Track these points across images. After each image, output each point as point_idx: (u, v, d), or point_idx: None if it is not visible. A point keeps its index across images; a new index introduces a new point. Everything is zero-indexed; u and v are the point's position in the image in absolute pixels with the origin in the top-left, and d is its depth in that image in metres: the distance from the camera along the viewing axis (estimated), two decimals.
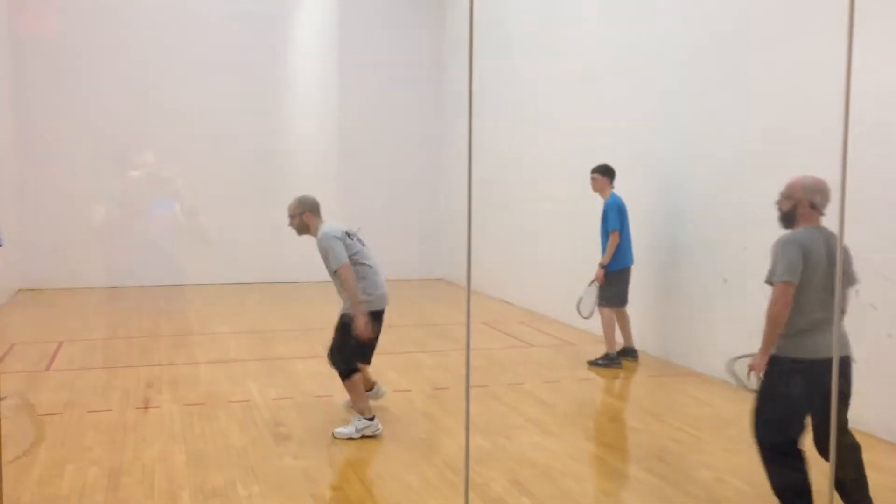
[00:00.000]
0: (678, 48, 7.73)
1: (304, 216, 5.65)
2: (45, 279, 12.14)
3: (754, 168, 6.73)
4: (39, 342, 8.46)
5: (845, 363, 4.05)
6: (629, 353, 7.74)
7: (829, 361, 3.57)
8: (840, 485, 4.13)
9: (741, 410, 6.18)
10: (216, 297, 11.86)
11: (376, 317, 5.69)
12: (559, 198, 10.03)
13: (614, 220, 7.47)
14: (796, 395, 4.02)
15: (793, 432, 4.06)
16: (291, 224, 5.76)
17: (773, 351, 4.17)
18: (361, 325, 5.42)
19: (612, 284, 7.59)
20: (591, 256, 8.20)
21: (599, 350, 7.83)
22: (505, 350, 8.38)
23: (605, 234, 7.58)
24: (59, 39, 12.15)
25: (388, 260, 13.44)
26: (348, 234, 5.71)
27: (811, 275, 4.04)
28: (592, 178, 7.71)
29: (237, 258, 12.90)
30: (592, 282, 7.70)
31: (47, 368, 7.38)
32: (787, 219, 4.35)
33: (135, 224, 12.23)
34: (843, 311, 4.19)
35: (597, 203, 7.88)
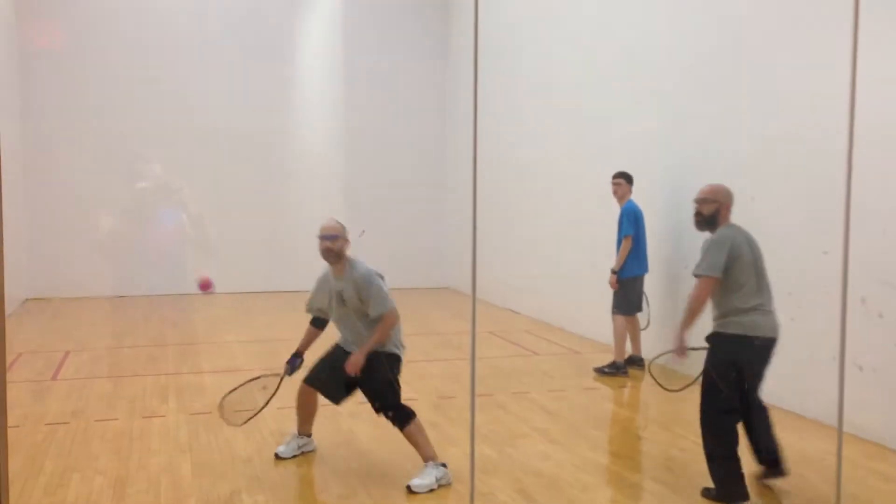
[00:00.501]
0: (682, 54, 7.73)
1: (345, 244, 5.18)
2: (52, 288, 12.18)
3: (759, 174, 6.72)
4: (46, 351, 8.48)
5: (771, 344, 4.64)
6: (636, 361, 7.71)
7: (767, 339, 4.53)
8: (756, 447, 4.79)
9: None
10: (222, 306, 11.88)
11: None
12: (565, 206, 10.03)
13: (628, 226, 7.48)
14: (736, 367, 4.55)
15: (733, 401, 4.58)
16: (329, 246, 5.08)
17: (717, 329, 4.68)
18: (359, 365, 4.95)
19: (625, 292, 7.58)
20: (597, 265, 8.21)
21: (605, 358, 7.80)
22: (510, 359, 8.36)
23: (620, 240, 7.60)
24: (66, 50, 12.23)
25: (393, 269, 13.55)
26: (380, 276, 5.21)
27: (743, 266, 4.63)
28: (616, 184, 7.71)
29: (243, 267, 12.91)
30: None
31: (54, 377, 7.39)
32: (710, 221, 4.85)
33: (141, 234, 12.27)
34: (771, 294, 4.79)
35: (604, 211, 7.89)
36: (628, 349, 7.74)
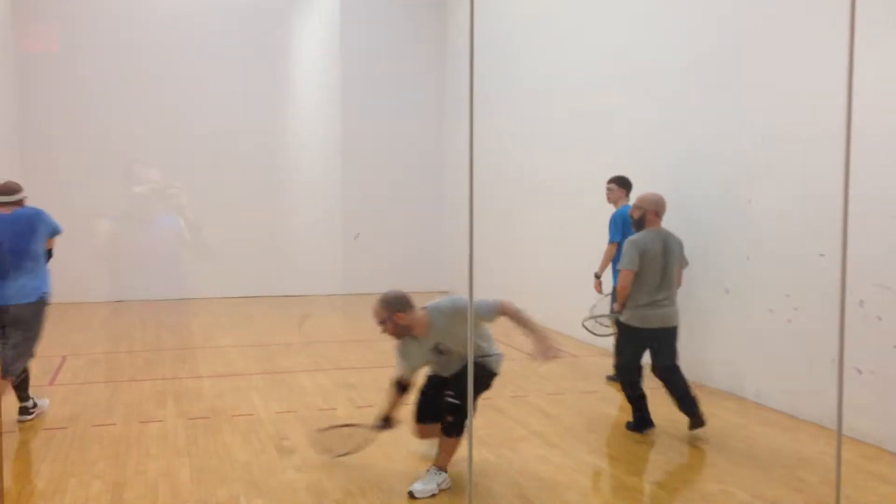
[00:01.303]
0: (679, 56, 7.75)
1: (401, 316, 4.81)
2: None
3: (757, 177, 6.73)
4: (43, 356, 8.44)
5: (673, 332, 5.88)
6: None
7: (661, 329, 5.78)
8: (679, 401, 5.86)
9: (747, 423, 6.17)
10: (220, 310, 11.86)
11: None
12: (564, 209, 10.04)
13: (614, 231, 7.36)
14: (634, 351, 5.92)
15: (635, 372, 5.95)
16: (387, 331, 4.97)
17: (622, 319, 5.87)
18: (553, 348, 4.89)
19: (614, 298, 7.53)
20: (592, 269, 8.20)
21: (603, 362, 7.80)
22: (508, 362, 8.30)
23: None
24: (63, 54, 12.24)
25: (390, 271, 13.61)
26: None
27: (648, 266, 5.70)
28: (608, 189, 7.58)
29: (241, 272, 12.92)
30: (606, 295, 7.58)
31: (51, 383, 7.38)
32: (638, 224, 5.91)
33: (139, 239, 12.26)
34: (674, 289, 5.89)
35: (603, 214, 7.89)
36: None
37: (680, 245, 5.92)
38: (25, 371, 6.02)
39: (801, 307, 6.22)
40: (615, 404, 6.76)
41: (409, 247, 13.90)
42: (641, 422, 5.96)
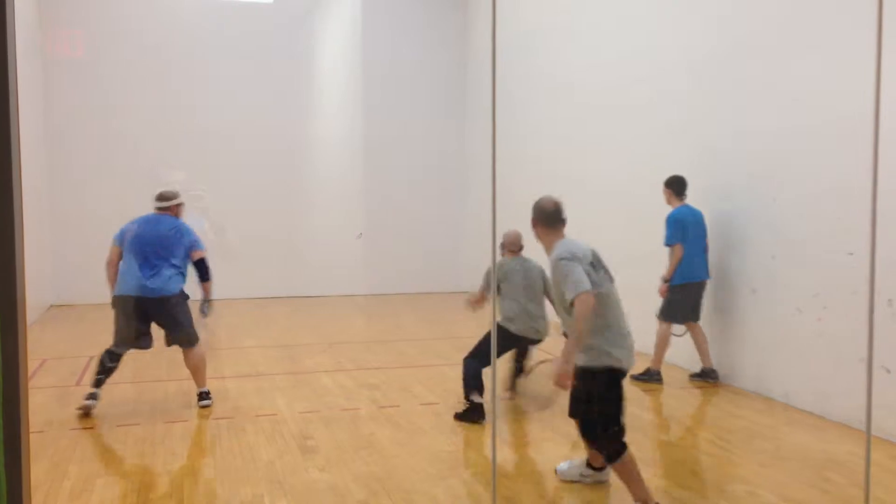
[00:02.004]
0: (702, 53, 7.68)
1: (533, 224, 4.85)
2: (76, 295, 12.28)
3: (782, 175, 6.66)
4: (70, 357, 8.55)
5: (528, 340, 6.47)
6: (707, 374, 7.37)
7: (524, 337, 6.36)
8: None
9: (774, 423, 6.09)
10: (243, 311, 11.92)
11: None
12: (585, 208, 9.97)
13: (670, 234, 7.23)
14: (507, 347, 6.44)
15: (485, 360, 6.10)
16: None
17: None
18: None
19: (671, 298, 7.33)
20: (615, 269, 8.15)
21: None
22: (531, 362, 8.32)
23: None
24: (89, 59, 12.36)
25: (411, 272, 13.61)
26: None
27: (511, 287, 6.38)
28: (664, 191, 7.49)
29: (264, 273, 12.98)
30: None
31: (78, 383, 7.45)
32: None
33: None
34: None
35: (623, 212, 7.85)
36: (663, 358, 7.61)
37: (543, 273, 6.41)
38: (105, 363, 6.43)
39: (830, 306, 6.14)
40: (642, 405, 6.71)
41: (430, 247, 13.89)
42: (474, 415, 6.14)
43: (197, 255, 6.60)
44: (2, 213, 1.94)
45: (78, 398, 6.79)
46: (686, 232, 7.21)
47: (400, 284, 13.68)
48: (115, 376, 7.68)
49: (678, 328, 7.46)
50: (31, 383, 7.38)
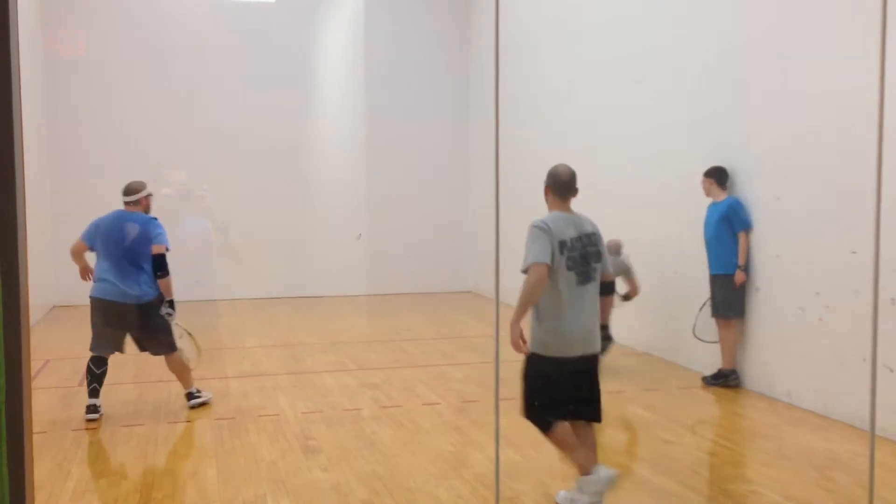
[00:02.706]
0: (706, 52, 7.67)
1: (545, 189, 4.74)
2: (78, 296, 12.21)
3: (785, 174, 6.65)
4: (73, 358, 8.55)
5: None
6: (723, 375, 7.15)
7: None
8: None
9: (777, 422, 6.08)
10: (245, 311, 11.93)
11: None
12: (589, 207, 9.96)
13: (744, 218, 6.96)
14: None
15: None
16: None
17: None
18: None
19: (734, 291, 7.04)
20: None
21: (627, 362, 7.73)
22: None
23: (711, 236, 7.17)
24: (91, 58, 12.36)
25: (415, 272, 13.60)
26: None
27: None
28: (704, 182, 7.29)
29: (266, 273, 12.98)
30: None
31: (81, 384, 7.43)
32: None
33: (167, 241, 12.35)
34: None
35: (627, 211, 7.84)
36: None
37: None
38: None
39: (833, 305, 6.13)
40: (643, 404, 6.70)
41: (433, 247, 13.89)
42: None
43: (155, 250, 6.31)
44: (4, 214, 1.94)
45: (81, 398, 6.79)
46: (720, 223, 7.04)
47: (402, 284, 13.68)
48: (118, 377, 7.69)
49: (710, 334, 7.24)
50: (33, 384, 7.38)
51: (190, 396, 6.55)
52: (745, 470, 5.11)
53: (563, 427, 4.41)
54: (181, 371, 6.53)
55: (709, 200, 7.26)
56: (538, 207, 8.86)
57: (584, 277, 4.44)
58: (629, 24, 9.08)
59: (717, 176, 7.19)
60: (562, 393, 4.45)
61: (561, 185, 4.61)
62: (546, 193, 4.70)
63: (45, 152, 11.99)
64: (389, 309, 12.39)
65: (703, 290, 7.41)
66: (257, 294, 12.85)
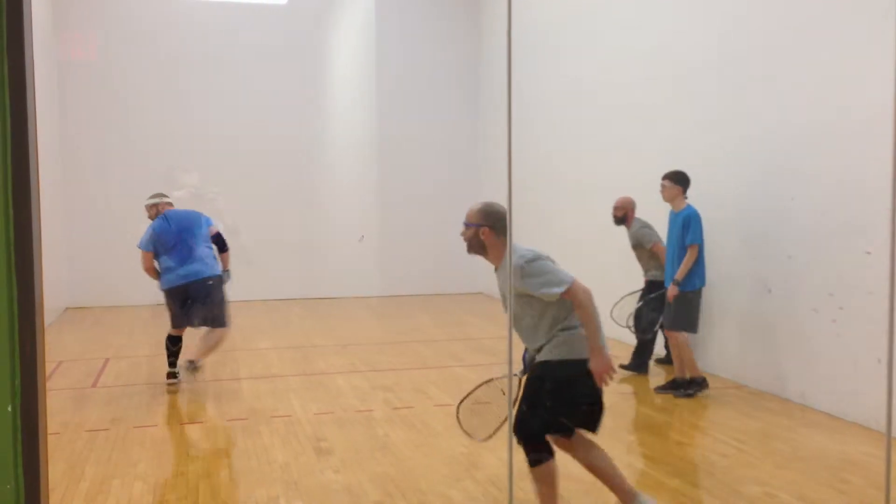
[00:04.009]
0: (719, 52, 7.64)
1: (481, 231, 4.27)
2: (91, 298, 12.36)
3: (799, 174, 6.61)
4: (86, 359, 8.60)
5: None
6: (674, 386, 7.02)
7: None
8: None
9: (791, 424, 6.05)
10: (258, 313, 11.96)
11: None
12: (602, 207, 9.95)
13: (696, 233, 6.81)
14: None
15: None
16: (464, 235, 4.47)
17: None
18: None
19: (684, 305, 6.91)
20: (631, 270, 8.12)
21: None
22: None
23: (672, 247, 7.01)
24: (103, 62, 12.44)
25: (425, 274, 13.61)
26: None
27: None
28: (662, 186, 7.05)
29: (278, 274, 13.01)
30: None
31: (94, 385, 7.49)
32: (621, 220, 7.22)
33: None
34: None
35: (642, 211, 7.81)
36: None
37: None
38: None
39: (847, 306, 6.09)
40: (654, 406, 6.68)
41: (444, 249, 13.84)
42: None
43: (214, 231, 7.44)
44: (19, 217, 1.95)
45: (94, 399, 6.84)
46: (685, 233, 6.87)
47: (414, 286, 13.69)
48: (131, 378, 7.74)
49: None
50: (47, 385, 7.43)
51: (193, 364, 7.15)
52: (759, 472, 5.08)
53: (551, 467, 4.14)
54: (215, 345, 7.25)
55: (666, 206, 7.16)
56: (549, 207, 8.80)
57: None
58: (640, 24, 9.05)
59: (683, 182, 6.99)
60: (575, 399, 4.23)
61: (502, 222, 4.23)
62: (485, 234, 4.25)
63: (58, 155, 12.06)
64: (401, 310, 12.40)
65: (709, 289, 7.40)
66: (269, 296, 12.89)
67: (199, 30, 12.86)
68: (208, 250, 7.28)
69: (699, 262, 6.87)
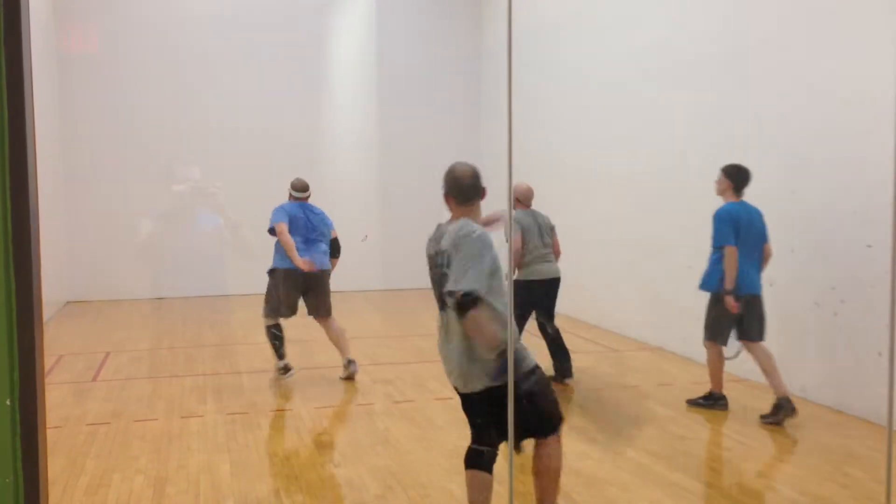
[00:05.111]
0: (721, 47, 7.61)
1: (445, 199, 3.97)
2: (92, 291, 12.35)
3: (800, 167, 6.60)
4: (87, 353, 8.60)
5: (554, 283, 7.14)
6: (781, 406, 5.98)
7: (546, 280, 7.03)
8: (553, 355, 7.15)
9: (793, 420, 6.04)
10: (258, 307, 11.92)
11: None
12: (602, 203, 9.94)
13: (720, 234, 6.13)
14: (525, 302, 6.88)
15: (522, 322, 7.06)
16: None
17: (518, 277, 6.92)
18: None
19: (711, 312, 6.30)
20: (633, 264, 8.12)
21: (641, 356, 7.70)
22: (547, 357, 8.29)
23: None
24: (103, 55, 12.40)
25: (426, 268, 13.56)
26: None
27: (531, 234, 6.96)
28: (717, 180, 6.33)
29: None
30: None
31: (94, 379, 7.49)
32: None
33: (180, 237, 12.39)
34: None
35: (642, 207, 7.80)
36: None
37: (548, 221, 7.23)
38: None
39: (848, 300, 6.08)
40: (657, 399, 6.68)
41: None
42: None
43: (334, 234, 7.62)
44: (18, 210, 1.94)
45: (95, 393, 6.83)
46: (738, 233, 6.06)
47: (415, 280, 13.66)
48: (132, 372, 7.74)
49: (730, 349, 6.33)
50: (47, 379, 7.43)
51: (351, 363, 7.26)
52: (761, 465, 5.08)
53: (479, 476, 3.87)
54: (342, 336, 7.42)
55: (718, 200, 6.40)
56: (551, 203, 8.81)
57: (439, 303, 3.78)
58: (642, 20, 9.02)
59: (735, 177, 6.23)
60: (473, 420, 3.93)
61: (460, 189, 3.88)
62: (448, 203, 3.92)
63: (58, 149, 12.04)
64: (401, 304, 12.40)
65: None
66: None
67: (201, 24, 12.82)
68: (326, 247, 7.48)
69: (738, 267, 6.01)
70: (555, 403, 3.94)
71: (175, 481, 4.80)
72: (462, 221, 3.68)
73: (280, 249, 7.23)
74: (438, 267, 3.69)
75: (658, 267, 8.54)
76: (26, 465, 1.96)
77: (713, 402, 6.36)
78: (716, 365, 6.35)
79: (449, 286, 3.52)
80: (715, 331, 6.25)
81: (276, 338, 7.29)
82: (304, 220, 7.42)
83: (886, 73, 5.34)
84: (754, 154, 7.13)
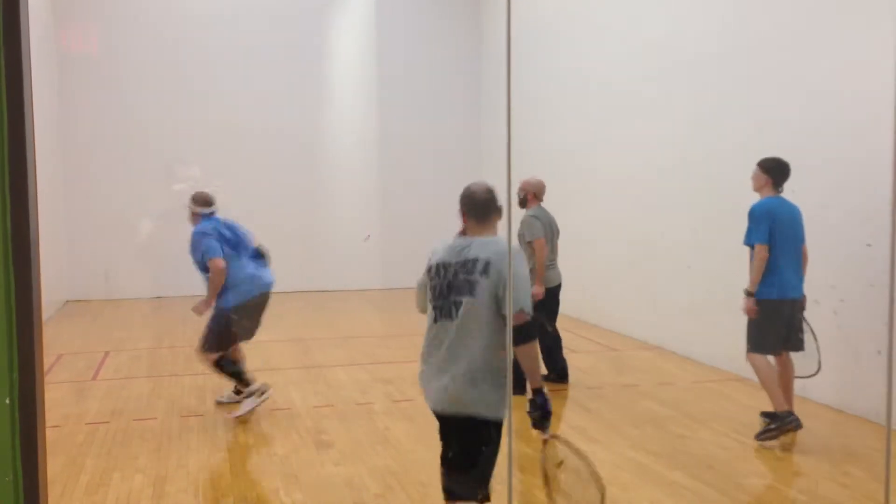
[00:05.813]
0: (721, 45, 7.61)
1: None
2: (92, 291, 12.35)
3: (800, 166, 6.59)
4: (86, 352, 8.60)
5: (559, 289, 7.04)
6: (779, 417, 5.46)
7: (553, 287, 6.93)
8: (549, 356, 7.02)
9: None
10: None
11: None
12: (601, 202, 9.94)
13: (753, 232, 5.65)
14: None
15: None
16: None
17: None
18: None
19: (757, 320, 5.63)
20: (633, 264, 8.12)
21: (641, 355, 7.69)
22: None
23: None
24: (103, 54, 12.40)
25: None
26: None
27: (552, 237, 7.05)
28: (753, 176, 5.85)
29: (278, 267, 12.94)
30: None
31: (94, 378, 7.49)
32: (522, 203, 7.22)
33: (179, 236, 12.39)
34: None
35: (640, 206, 7.79)
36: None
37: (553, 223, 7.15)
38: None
39: (847, 298, 6.08)
40: (656, 398, 6.68)
41: None
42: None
43: (257, 242, 7.15)
44: (18, 210, 1.94)
45: (95, 392, 6.83)
46: (774, 231, 5.57)
47: (414, 279, 13.63)
48: (131, 371, 7.73)
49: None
50: (46, 378, 7.43)
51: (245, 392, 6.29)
52: (760, 465, 5.08)
53: None
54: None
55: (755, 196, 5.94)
56: (551, 202, 8.85)
57: (445, 312, 3.62)
58: (642, 20, 9.02)
59: (773, 173, 5.75)
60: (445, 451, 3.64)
61: (473, 207, 3.80)
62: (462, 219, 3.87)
63: (58, 149, 12.04)
64: (401, 303, 12.38)
65: (715, 285, 7.37)
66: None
67: (201, 24, 12.81)
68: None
69: (770, 269, 5.54)
70: (487, 478, 3.60)
71: (175, 480, 4.81)
72: (497, 237, 3.62)
73: (233, 282, 6.58)
74: (467, 274, 3.52)
75: (658, 267, 8.54)
76: (26, 464, 1.96)
77: (781, 423, 5.40)
78: (769, 378, 5.49)
79: (520, 304, 3.39)
80: (757, 341, 5.58)
81: (233, 364, 6.44)
82: (235, 239, 6.88)
83: (886, 72, 5.34)
84: (754, 153, 7.12)
